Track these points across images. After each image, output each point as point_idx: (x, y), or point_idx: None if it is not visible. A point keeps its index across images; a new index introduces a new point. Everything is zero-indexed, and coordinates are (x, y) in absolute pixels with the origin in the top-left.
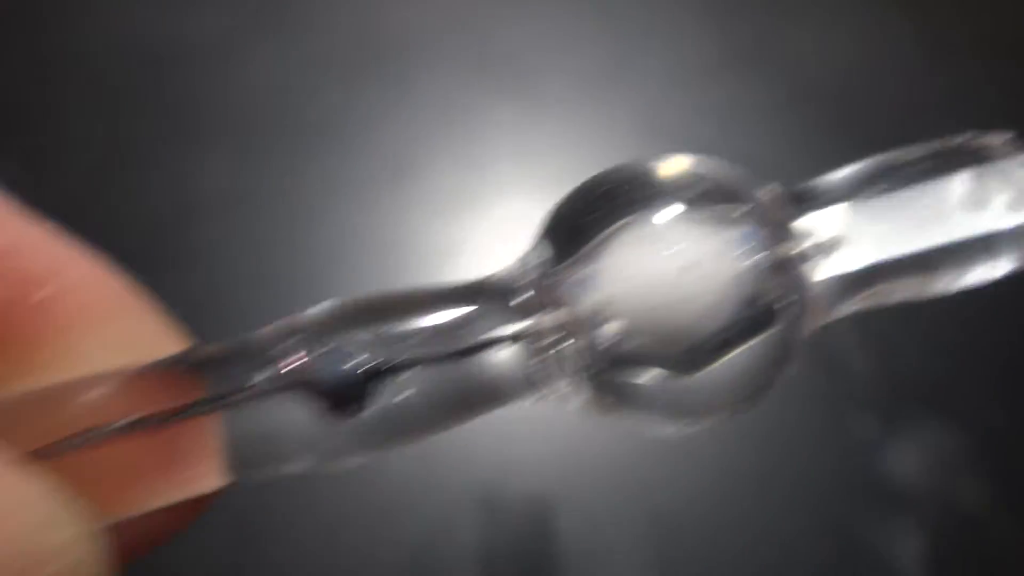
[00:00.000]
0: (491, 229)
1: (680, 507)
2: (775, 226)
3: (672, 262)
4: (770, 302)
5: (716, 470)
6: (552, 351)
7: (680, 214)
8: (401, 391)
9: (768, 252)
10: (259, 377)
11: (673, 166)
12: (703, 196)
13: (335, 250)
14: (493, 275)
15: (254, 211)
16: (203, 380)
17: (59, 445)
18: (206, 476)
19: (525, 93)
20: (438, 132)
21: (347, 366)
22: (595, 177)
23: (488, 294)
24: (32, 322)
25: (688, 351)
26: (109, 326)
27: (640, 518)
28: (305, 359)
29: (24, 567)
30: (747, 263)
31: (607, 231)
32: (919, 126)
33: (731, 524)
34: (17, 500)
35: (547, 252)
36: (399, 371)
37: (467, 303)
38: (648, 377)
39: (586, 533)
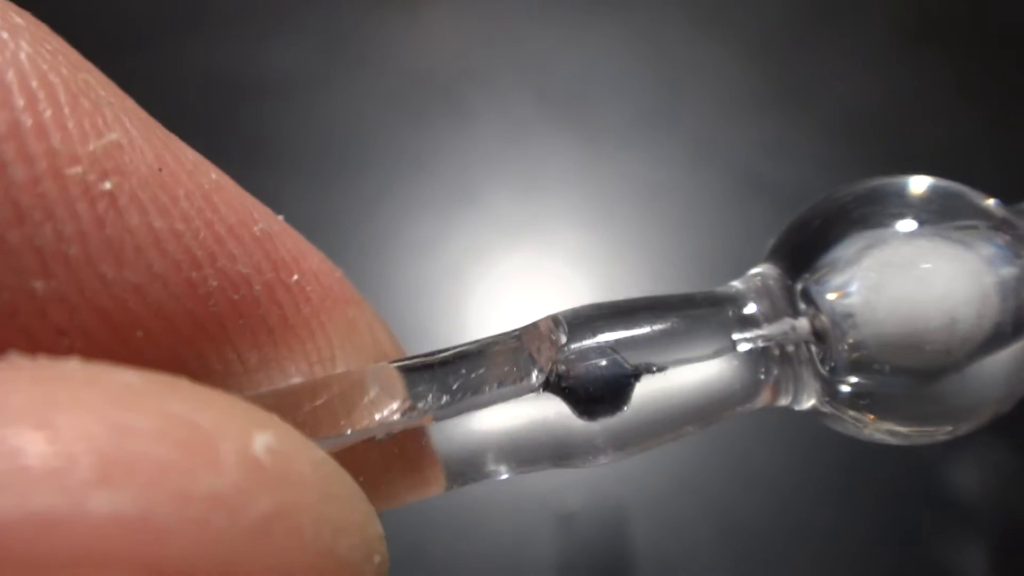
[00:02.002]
0: (553, 253)
1: (751, 514)
2: (1014, 238)
3: (921, 274)
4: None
5: (788, 480)
6: (794, 357)
7: (927, 228)
8: (652, 394)
9: (1020, 263)
10: (515, 379)
11: (913, 185)
12: (946, 212)
13: (407, 273)
14: (733, 286)
15: (327, 238)
16: (447, 380)
17: (330, 440)
18: (435, 480)
19: (583, 125)
20: (502, 161)
21: (604, 370)
22: (831, 195)
23: (729, 303)
24: (289, 302)
25: (936, 361)
26: (344, 311)
27: (714, 525)
28: (561, 363)
29: (336, 533)
30: (1000, 274)
31: (852, 245)
32: (956, 159)
33: (799, 530)
34: (328, 471)
35: (784, 264)
36: (651, 374)
37: (708, 310)
38: (891, 385)
39: (662, 539)
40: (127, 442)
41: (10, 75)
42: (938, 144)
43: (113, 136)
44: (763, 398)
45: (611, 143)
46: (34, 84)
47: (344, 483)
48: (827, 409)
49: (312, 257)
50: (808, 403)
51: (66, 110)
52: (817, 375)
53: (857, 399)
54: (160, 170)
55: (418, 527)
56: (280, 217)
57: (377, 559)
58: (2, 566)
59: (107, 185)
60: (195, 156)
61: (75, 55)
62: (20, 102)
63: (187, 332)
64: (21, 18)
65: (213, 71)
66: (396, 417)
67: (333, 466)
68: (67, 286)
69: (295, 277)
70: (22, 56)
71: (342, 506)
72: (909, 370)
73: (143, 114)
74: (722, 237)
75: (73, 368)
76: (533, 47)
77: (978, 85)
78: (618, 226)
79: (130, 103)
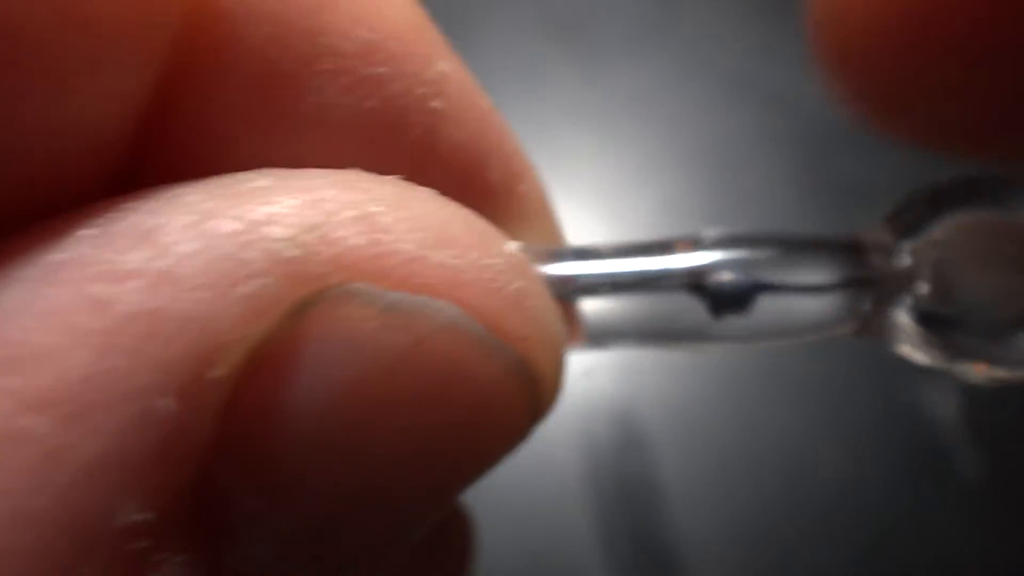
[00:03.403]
0: (554, 163)
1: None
2: None
3: (1004, 245)
4: None
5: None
6: (892, 299)
7: (1016, 213)
8: (769, 304)
9: None
10: (664, 275)
11: (996, 176)
12: None
13: None
14: (851, 233)
15: None
16: (598, 266)
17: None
18: (577, 338)
19: (582, 39)
20: (503, 76)
21: (734, 279)
22: (937, 183)
23: (845, 244)
24: (517, 206)
25: (1017, 313)
26: (549, 218)
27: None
28: (699, 267)
29: (551, 312)
30: None
31: (958, 215)
32: None
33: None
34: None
35: (897, 223)
36: (769, 290)
37: (826, 245)
38: (973, 335)
39: (679, 463)
40: (450, 224)
41: (393, 17)
42: None
43: (444, 63)
44: (856, 329)
45: (610, 55)
46: (403, 22)
47: (543, 291)
48: (921, 351)
49: (532, 172)
50: (899, 344)
51: (419, 41)
52: (915, 319)
53: (954, 347)
54: (464, 90)
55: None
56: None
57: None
58: (391, 281)
59: (436, 103)
60: (472, 79)
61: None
62: (399, 34)
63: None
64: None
65: None
66: (563, 285)
67: (539, 277)
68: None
69: (523, 187)
70: (395, 6)
71: (549, 305)
72: (995, 325)
73: (447, 45)
74: (715, 137)
75: (401, 179)
76: None
77: None
78: (616, 131)
79: (437, 32)
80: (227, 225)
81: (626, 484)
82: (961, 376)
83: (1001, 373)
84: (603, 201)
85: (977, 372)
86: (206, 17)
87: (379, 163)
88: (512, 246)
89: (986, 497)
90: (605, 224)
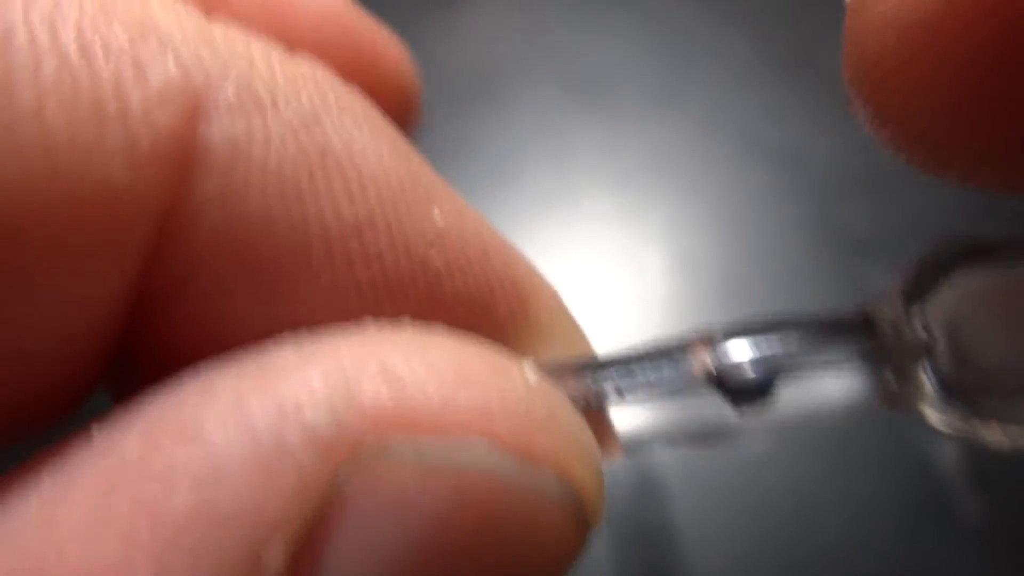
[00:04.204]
0: (581, 218)
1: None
2: None
3: (1017, 305)
4: None
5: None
6: (910, 369)
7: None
8: (790, 393)
9: None
10: (681, 375)
11: (1003, 233)
12: None
13: None
14: (861, 306)
15: None
16: (630, 373)
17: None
18: (613, 450)
19: (603, 105)
20: (531, 143)
21: (751, 371)
22: (952, 235)
23: (858, 321)
24: (530, 328)
25: None
26: (552, 315)
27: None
28: (719, 364)
29: (581, 429)
30: None
31: (965, 279)
32: None
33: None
34: (562, 397)
35: (906, 290)
36: (787, 376)
37: (840, 327)
38: (991, 399)
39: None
40: (467, 362)
41: (381, 179)
42: None
43: (439, 216)
44: (879, 403)
45: (630, 120)
46: (393, 182)
47: (570, 409)
48: (941, 417)
49: (542, 284)
50: (929, 415)
51: (410, 200)
52: (933, 386)
53: (970, 414)
54: (462, 238)
55: None
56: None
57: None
58: (422, 430)
59: (436, 259)
60: (472, 213)
61: (391, 126)
62: (388, 199)
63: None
64: (360, 104)
65: None
66: (588, 399)
67: (564, 399)
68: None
69: (532, 310)
70: (386, 160)
71: (579, 423)
72: (1014, 389)
73: (440, 182)
74: (729, 194)
75: (412, 328)
76: (558, 39)
77: None
78: (637, 191)
79: (430, 170)
80: (262, 412)
81: (641, 526)
82: (985, 442)
83: (1016, 437)
84: (624, 259)
85: (999, 437)
86: (182, 221)
87: (384, 317)
88: (532, 370)
89: (988, 543)
90: (626, 280)
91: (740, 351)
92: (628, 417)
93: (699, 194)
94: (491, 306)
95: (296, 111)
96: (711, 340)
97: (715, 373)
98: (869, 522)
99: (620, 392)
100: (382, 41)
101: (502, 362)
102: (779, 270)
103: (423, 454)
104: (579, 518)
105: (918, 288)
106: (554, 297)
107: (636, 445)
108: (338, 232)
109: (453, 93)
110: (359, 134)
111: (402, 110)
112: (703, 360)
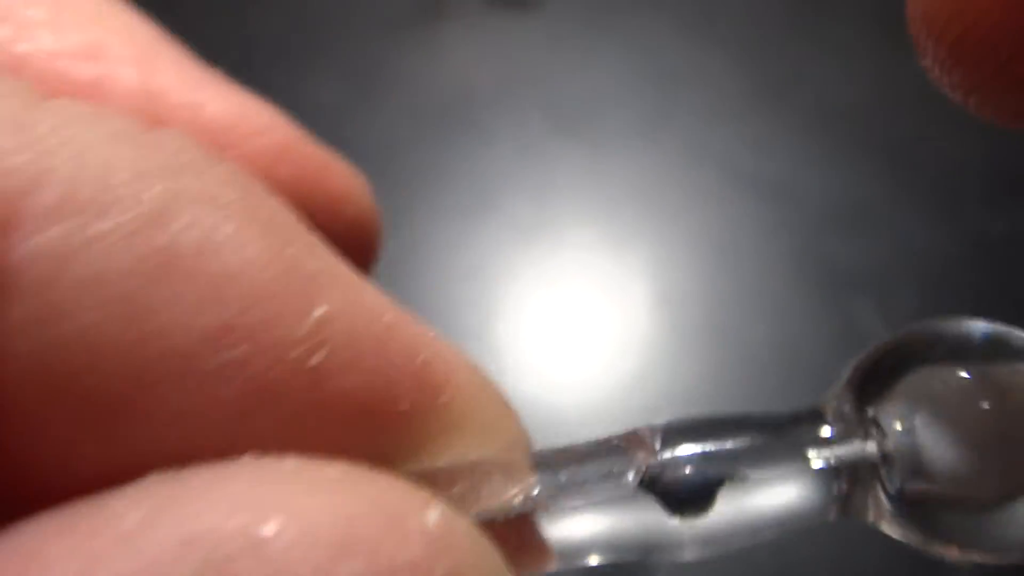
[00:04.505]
0: (564, 249)
1: None
2: None
3: (977, 412)
4: None
5: None
6: (864, 478)
7: (984, 369)
8: (734, 501)
9: None
10: (615, 478)
11: (971, 328)
12: (999, 353)
13: (435, 273)
14: (810, 406)
15: None
16: (558, 474)
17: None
18: (543, 560)
19: (587, 134)
20: (515, 171)
21: (692, 476)
22: (905, 332)
23: (806, 422)
24: (436, 420)
25: (996, 491)
26: (480, 411)
27: None
28: (656, 467)
29: None
30: None
31: (918, 381)
32: (931, 153)
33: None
34: (477, 538)
35: (856, 391)
36: (733, 484)
37: (787, 428)
38: (951, 514)
39: None
40: (355, 521)
41: (243, 278)
42: (914, 137)
43: (319, 313)
44: (834, 512)
45: (613, 150)
46: (259, 281)
47: (487, 547)
48: (900, 532)
49: (460, 369)
50: (884, 524)
51: (283, 298)
52: (888, 499)
53: (926, 526)
54: (353, 330)
55: None
56: (432, 332)
57: None
58: None
59: (315, 360)
60: (374, 299)
61: (276, 208)
62: (252, 301)
63: (360, 454)
64: (241, 189)
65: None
66: (516, 502)
67: (479, 534)
68: (286, 433)
69: (444, 398)
70: (249, 252)
71: (487, 558)
72: (974, 505)
73: (336, 267)
74: (713, 226)
75: (293, 465)
76: (542, 66)
77: None
78: (622, 222)
79: (325, 255)
80: None
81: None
82: (938, 555)
83: (976, 557)
84: (607, 293)
85: (951, 554)
86: None
87: (258, 434)
88: (435, 510)
89: None
90: (608, 316)
91: (681, 452)
92: (559, 522)
93: (683, 226)
94: (389, 402)
95: (136, 210)
96: (650, 439)
97: (652, 476)
98: (858, 568)
99: (550, 495)
100: (338, 175)
101: (398, 508)
102: (764, 304)
103: None
104: None
105: (871, 385)
106: (475, 379)
107: (569, 553)
108: (185, 347)
109: (431, 118)
110: (222, 227)
111: (361, 247)
112: (641, 461)
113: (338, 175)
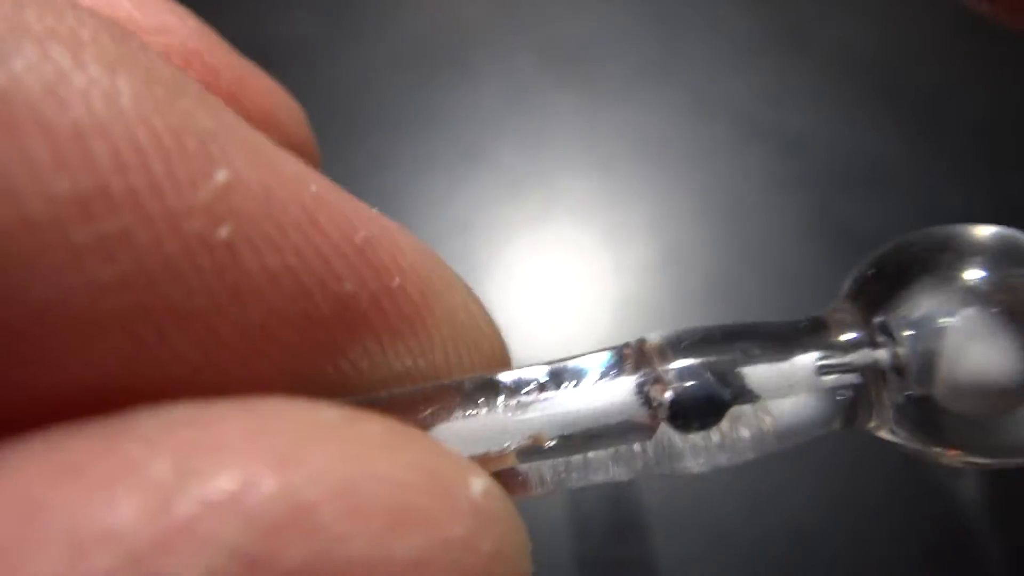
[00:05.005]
0: (558, 203)
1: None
2: None
3: (989, 316)
4: None
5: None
6: (872, 387)
7: (995, 275)
8: (741, 414)
9: None
10: (615, 391)
11: (980, 233)
12: (1012, 258)
13: (419, 226)
14: (816, 316)
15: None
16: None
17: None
18: (525, 487)
19: (585, 81)
20: (506, 118)
21: (698, 389)
22: (906, 239)
23: (813, 331)
24: (392, 306)
25: (1010, 405)
26: (442, 301)
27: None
28: (661, 380)
29: (523, 557)
30: None
31: (929, 288)
32: (950, 101)
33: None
34: (508, 504)
35: (863, 300)
36: (741, 396)
37: (794, 338)
38: (964, 422)
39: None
40: (411, 491)
41: (118, 131)
42: (934, 86)
43: (221, 177)
44: (840, 422)
45: (611, 97)
46: (141, 136)
47: (512, 511)
48: (902, 439)
49: (408, 250)
50: (884, 431)
51: (174, 158)
52: (894, 406)
53: (931, 432)
54: (269, 201)
55: None
56: (375, 210)
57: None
58: None
59: (223, 233)
60: (295, 168)
61: (159, 61)
62: (132, 160)
63: (304, 353)
64: (108, 34)
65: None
66: (502, 448)
67: (506, 498)
68: (199, 335)
69: (396, 281)
70: (124, 102)
71: (520, 532)
72: (981, 412)
73: (241, 129)
74: (721, 181)
75: (332, 415)
76: (536, 4)
77: (975, 26)
78: (619, 175)
79: (228, 116)
80: (100, 564)
81: (621, 569)
82: (935, 459)
83: (978, 462)
84: (604, 251)
85: (951, 456)
86: None
87: (168, 335)
88: (479, 478)
89: None
90: (605, 276)
91: (685, 363)
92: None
93: (687, 182)
94: (330, 279)
95: None
96: (652, 350)
97: (652, 391)
98: (875, 564)
99: (544, 422)
100: (261, 93)
101: (447, 477)
102: (773, 267)
103: None
104: None
105: (878, 293)
106: (439, 271)
107: (565, 479)
108: (46, 215)
109: (418, 61)
110: (85, 69)
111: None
112: (641, 377)
113: (261, 93)
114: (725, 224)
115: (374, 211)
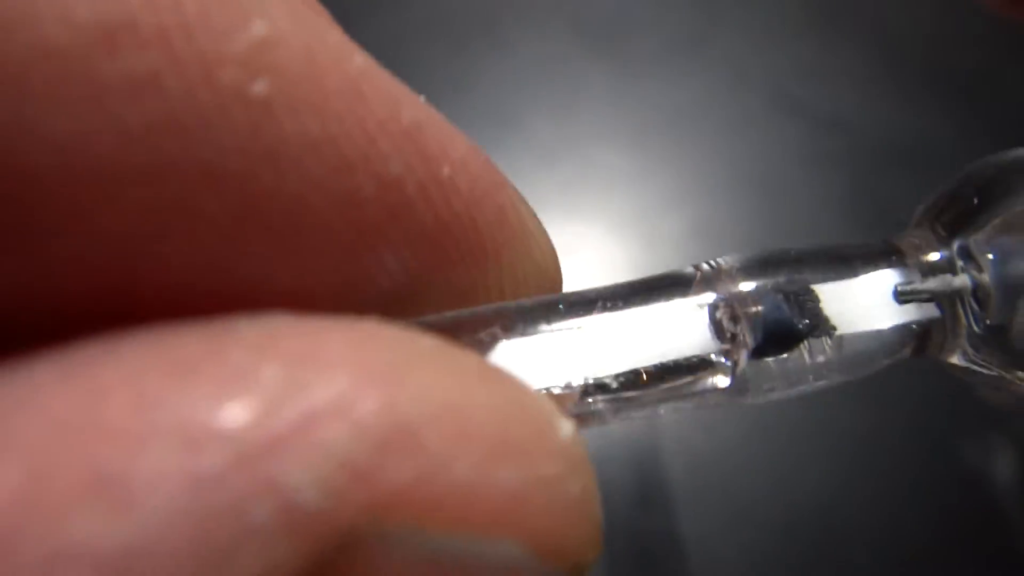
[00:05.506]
0: (590, 174)
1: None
2: None
3: None
4: None
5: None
6: (949, 313)
7: None
8: (814, 343)
9: None
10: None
11: None
12: None
13: None
14: (891, 241)
15: None
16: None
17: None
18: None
19: (619, 52)
20: (540, 87)
21: (776, 313)
22: (984, 162)
23: (890, 256)
24: (441, 198)
25: None
26: (493, 198)
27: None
28: (736, 303)
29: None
30: None
31: (1011, 210)
32: (992, 83)
33: (834, 428)
34: (584, 447)
35: (941, 223)
36: (818, 322)
37: (871, 261)
38: None
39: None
40: (510, 423)
41: None
42: (975, 67)
43: (259, 28)
44: (912, 350)
45: (646, 67)
46: None
47: (586, 451)
48: (978, 364)
49: (458, 143)
50: (955, 357)
51: (209, 1)
52: (971, 333)
53: (1012, 356)
54: (310, 62)
55: None
56: (421, 97)
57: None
58: (441, 521)
59: (259, 88)
60: (339, 37)
61: None
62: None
63: (349, 243)
64: None
65: None
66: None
67: (586, 444)
68: (232, 200)
69: (446, 171)
70: None
71: (592, 475)
72: None
73: None
74: (756, 158)
75: (427, 343)
76: None
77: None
78: (653, 147)
79: None
80: (212, 461)
81: (644, 540)
82: (1008, 386)
83: None
84: (637, 224)
85: None
86: None
87: (192, 196)
88: (568, 427)
89: None
90: (638, 249)
91: (758, 288)
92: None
93: (721, 156)
94: (375, 156)
95: None
96: (724, 273)
97: (732, 314)
98: (907, 547)
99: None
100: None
101: (543, 415)
102: (805, 243)
103: (434, 550)
104: None
105: (957, 218)
106: (492, 175)
107: (618, 409)
108: (68, 44)
109: (450, 29)
110: None
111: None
112: (709, 302)
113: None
114: (758, 199)
115: (422, 98)
